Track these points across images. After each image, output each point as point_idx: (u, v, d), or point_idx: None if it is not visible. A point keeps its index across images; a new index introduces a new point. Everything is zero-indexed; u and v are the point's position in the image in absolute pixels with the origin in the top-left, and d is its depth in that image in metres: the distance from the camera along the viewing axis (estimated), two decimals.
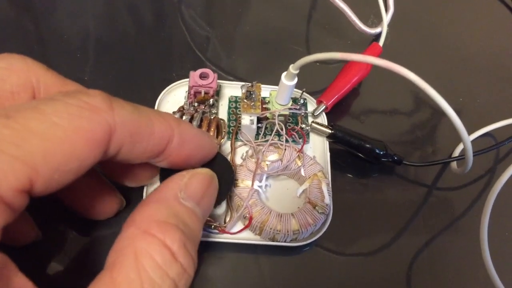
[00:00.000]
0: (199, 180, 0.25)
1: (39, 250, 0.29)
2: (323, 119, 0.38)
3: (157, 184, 0.31)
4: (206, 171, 0.26)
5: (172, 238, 0.21)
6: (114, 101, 0.21)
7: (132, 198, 0.32)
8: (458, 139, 0.39)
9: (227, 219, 0.32)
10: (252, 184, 0.32)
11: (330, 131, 0.36)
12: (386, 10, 0.48)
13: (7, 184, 0.17)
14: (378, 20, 0.48)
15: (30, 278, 0.19)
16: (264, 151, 0.33)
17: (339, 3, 0.44)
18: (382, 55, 0.44)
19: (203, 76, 0.35)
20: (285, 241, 0.31)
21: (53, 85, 0.24)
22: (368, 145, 0.36)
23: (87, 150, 0.20)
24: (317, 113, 0.38)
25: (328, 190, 0.33)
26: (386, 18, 0.46)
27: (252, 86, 0.34)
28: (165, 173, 0.28)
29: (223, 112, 0.37)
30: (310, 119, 0.38)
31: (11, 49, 0.39)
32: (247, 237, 0.32)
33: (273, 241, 0.32)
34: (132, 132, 0.21)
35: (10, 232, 0.26)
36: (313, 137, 0.37)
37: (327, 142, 0.37)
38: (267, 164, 0.33)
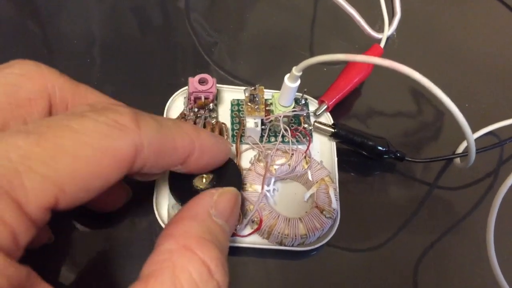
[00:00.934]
0: (227, 199, 0.26)
1: (50, 252, 0.29)
2: (327, 118, 0.38)
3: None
4: (233, 189, 0.27)
5: (210, 256, 0.21)
6: (141, 119, 0.21)
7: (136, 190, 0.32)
8: (460, 138, 0.40)
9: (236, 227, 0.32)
10: (262, 188, 0.32)
11: (333, 130, 0.36)
12: (393, 14, 0.48)
13: (35, 203, 0.17)
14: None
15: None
16: (272, 155, 0.33)
17: (347, 7, 0.44)
18: (383, 57, 0.43)
19: (202, 82, 0.35)
20: (292, 245, 0.31)
21: (67, 90, 0.25)
22: (370, 142, 0.36)
23: (113, 170, 0.20)
24: (319, 113, 0.38)
25: (335, 195, 0.33)
26: (389, 20, 0.46)
27: (255, 89, 0.34)
28: (175, 176, 0.28)
29: (222, 116, 0.37)
30: (312, 119, 0.38)
31: (19, 52, 0.40)
32: (255, 241, 0.32)
33: (280, 245, 0.32)
34: (157, 150, 0.22)
35: None
36: (320, 140, 0.37)
37: (335, 147, 0.37)
38: (275, 168, 0.33)
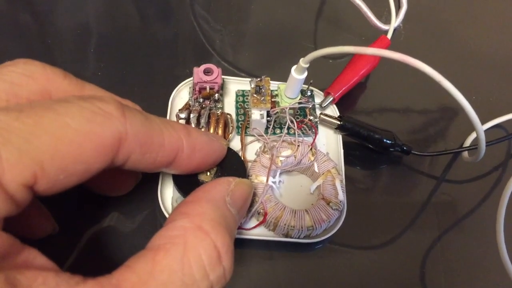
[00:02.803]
0: (242, 190, 0.26)
1: (56, 243, 0.29)
2: (333, 110, 0.38)
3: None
4: (248, 182, 0.27)
5: (223, 241, 0.21)
6: (127, 110, 0.21)
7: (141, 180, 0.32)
8: (467, 132, 0.40)
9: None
10: (267, 180, 0.31)
11: (339, 122, 0.36)
12: (399, 6, 0.47)
13: (11, 176, 0.17)
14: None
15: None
16: (278, 147, 0.33)
17: None
18: (390, 49, 0.43)
19: (207, 72, 0.34)
20: (299, 237, 0.31)
21: (71, 92, 0.24)
22: (377, 135, 0.36)
23: (95, 155, 0.20)
24: (325, 105, 0.38)
25: (342, 186, 0.33)
26: (395, 11, 0.46)
27: (261, 80, 0.34)
28: (178, 177, 0.28)
29: (227, 107, 0.37)
30: (318, 112, 0.38)
31: (16, 46, 0.40)
32: (261, 233, 0.32)
33: (286, 237, 0.31)
34: (142, 142, 0.21)
35: (26, 225, 0.26)
36: (326, 134, 0.37)
37: (341, 139, 0.36)
38: (280, 160, 0.33)
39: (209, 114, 0.34)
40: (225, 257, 0.21)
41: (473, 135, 0.39)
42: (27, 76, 0.23)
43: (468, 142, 0.39)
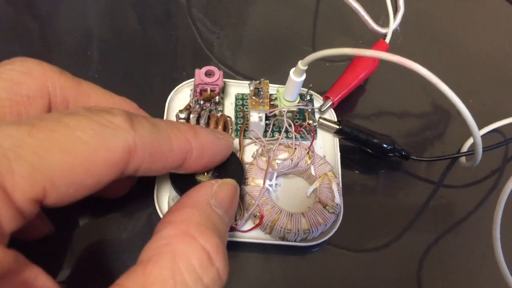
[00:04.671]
0: (227, 190, 0.25)
1: (52, 244, 0.29)
2: (331, 115, 0.38)
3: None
4: (232, 181, 0.27)
5: (211, 243, 0.21)
6: (135, 121, 0.21)
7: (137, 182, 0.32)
8: (465, 136, 0.40)
9: (237, 217, 0.32)
10: (264, 183, 0.31)
11: (337, 127, 0.36)
12: (396, 9, 0.47)
13: (22, 192, 0.17)
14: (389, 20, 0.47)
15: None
16: (275, 150, 0.33)
17: (351, 1, 0.44)
18: (389, 52, 0.43)
19: (208, 74, 0.35)
20: (295, 241, 0.31)
21: (69, 88, 0.25)
22: (375, 140, 0.36)
23: (105, 169, 0.20)
24: (324, 109, 0.38)
25: (338, 189, 0.33)
26: (393, 16, 0.46)
27: (260, 83, 0.34)
28: (176, 177, 0.28)
29: (226, 110, 0.37)
30: (317, 116, 0.38)
31: (16, 48, 0.40)
32: (257, 236, 0.32)
33: (283, 240, 0.31)
34: (152, 152, 0.22)
35: (23, 226, 0.26)
36: (323, 136, 0.37)
37: (338, 142, 0.36)
38: (277, 163, 0.33)
39: (208, 115, 0.34)
40: (217, 258, 0.21)
41: (470, 140, 0.39)
42: (25, 73, 0.23)
43: (465, 147, 0.39)
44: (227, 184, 0.26)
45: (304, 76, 0.32)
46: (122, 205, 0.32)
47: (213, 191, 0.24)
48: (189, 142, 0.24)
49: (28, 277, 0.18)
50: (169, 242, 0.20)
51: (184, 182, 0.28)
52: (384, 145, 0.36)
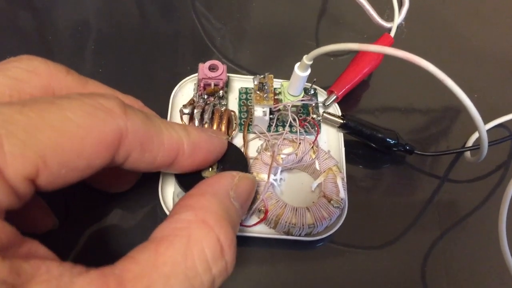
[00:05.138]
0: (246, 184, 0.26)
1: (54, 237, 0.29)
2: (335, 109, 0.38)
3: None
4: (252, 176, 0.27)
5: (226, 235, 0.21)
6: (128, 108, 0.21)
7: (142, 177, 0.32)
8: (469, 132, 0.40)
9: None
10: (268, 177, 0.31)
11: (341, 121, 0.36)
12: (401, 4, 0.47)
13: (14, 168, 0.17)
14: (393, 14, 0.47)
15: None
16: (279, 144, 0.33)
17: None
18: (393, 47, 0.43)
19: (212, 68, 0.34)
20: (300, 235, 0.31)
21: (74, 88, 0.25)
22: (380, 135, 0.36)
23: (96, 151, 0.20)
24: (328, 103, 0.37)
25: (343, 184, 0.33)
26: (398, 10, 0.46)
27: (264, 77, 0.34)
28: (181, 175, 0.28)
29: (230, 105, 0.37)
30: (321, 110, 0.37)
31: (14, 43, 0.40)
32: (262, 230, 0.32)
33: (287, 235, 0.31)
34: (142, 140, 0.22)
35: (26, 219, 0.26)
36: (327, 131, 0.37)
37: (342, 137, 0.36)
38: (282, 158, 0.33)
39: (212, 110, 0.34)
40: (228, 251, 0.21)
41: (475, 135, 0.39)
42: (31, 72, 0.23)
43: (470, 142, 0.39)
44: (247, 179, 0.26)
45: (309, 71, 0.32)
46: (127, 199, 0.32)
47: (234, 183, 0.25)
48: (181, 139, 0.24)
49: (29, 248, 0.18)
50: (186, 226, 0.21)
51: (188, 178, 0.28)
52: (388, 140, 0.36)
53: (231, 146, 0.30)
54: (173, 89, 0.36)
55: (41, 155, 0.18)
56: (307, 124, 0.35)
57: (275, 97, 0.35)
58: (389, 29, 0.44)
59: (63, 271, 0.17)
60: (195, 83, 0.36)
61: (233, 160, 0.29)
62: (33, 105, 0.18)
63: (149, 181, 0.32)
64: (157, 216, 0.32)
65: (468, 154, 0.38)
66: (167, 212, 0.31)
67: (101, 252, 0.30)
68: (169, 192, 0.32)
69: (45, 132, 0.18)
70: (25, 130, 0.17)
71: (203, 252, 0.20)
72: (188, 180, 0.28)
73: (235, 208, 0.24)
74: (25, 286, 0.16)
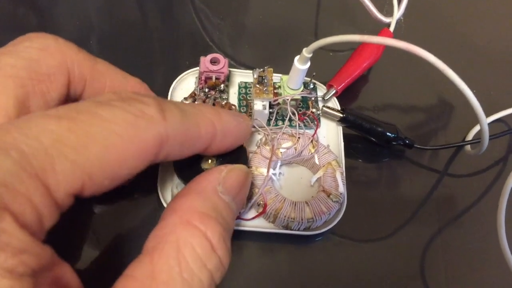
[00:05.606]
0: (236, 176, 0.25)
1: (52, 233, 0.29)
2: (334, 104, 0.38)
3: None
4: (242, 167, 0.27)
5: (212, 231, 0.21)
6: (167, 110, 0.21)
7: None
8: (469, 126, 0.39)
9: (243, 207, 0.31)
10: (268, 171, 0.31)
11: (341, 115, 0.36)
12: None
13: (63, 189, 0.17)
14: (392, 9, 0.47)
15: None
16: (278, 138, 0.33)
17: None
18: None
19: (213, 62, 0.34)
20: (298, 229, 0.31)
21: (85, 66, 0.25)
22: (379, 129, 0.36)
23: (139, 160, 0.20)
24: (328, 97, 0.37)
25: (342, 179, 0.32)
26: (397, 5, 0.45)
27: (263, 71, 0.34)
28: (180, 165, 0.28)
29: (231, 99, 0.37)
30: (320, 104, 0.37)
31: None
32: (261, 225, 0.31)
33: (286, 229, 0.31)
34: (182, 140, 0.22)
35: None
36: (326, 125, 0.37)
37: (341, 131, 0.36)
38: (281, 152, 0.33)
39: (213, 103, 0.34)
40: (219, 246, 0.21)
41: (475, 129, 0.39)
42: (44, 50, 0.23)
43: (470, 136, 0.39)
44: (237, 170, 0.26)
45: (308, 64, 0.32)
46: (125, 193, 0.32)
47: (222, 177, 0.24)
48: (214, 126, 0.24)
49: (59, 272, 0.18)
50: (172, 231, 0.21)
51: (188, 170, 0.28)
52: (388, 133, 0.36)
53: None
54: (171, 83, 0.36)
55: (88, 172, 0.18)
56: (306, 118, 0.35)
57: (275, 91, 0.35)
58: (388, 24, 0.44)
59: None
60: (196, 77, 0.36)
61: (233, 153, 0.29)
62: (78, 119, 0.18)
63: (147, 174, 0.31)
64: (156, 209, 0.32)
65: (468, 147, 0.38)
66: (165, 205, 0.30)
67: (99, 246, 0.30)
68: (167, 185, 0.32)
69: (92, 149, 0.18)
70: (74, 150, 0.17)
71: (194, 251, 0.20)
72: (188, 172, 0.28)
73: (225, 203, 0.23)
74: None
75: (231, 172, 0.25)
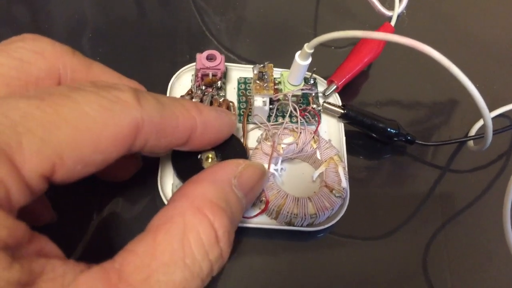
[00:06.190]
0: (252, 173, 0.25)
1: (53, 227, 0.29)
2: (335, 99, 0.37)
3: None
4: (260, 165, 0.27)
5: (220, 222, 0.21)
6: (142, 97, 0.21)
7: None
8: (471, 121, 0.39)
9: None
10: (269, 167, 0.31)
11: (342, 111, 0.35)
12: None
13: (31, 166, 0.17)
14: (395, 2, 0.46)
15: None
16: (280, 134, 0.32)
17: None
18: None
19: (210, 58, 0.34)
20: (301, 226, 0.31)
21: (80, 70, 0.24)
22: (381, 125, 0.36)
23: (113, 145, 0.20)
24: (328, 93, 0.37)
25: (344, 173, 0.32)
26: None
27: (264, 67, 0.33)
28: (178, 156, 0.28)
29: (229, 95, 0.36)
30: (321, 100, 0.37)
31: (22, 32, 0.39)
32: (263, 221, 0.31)
33: (289, 225, 0.31)
34: (158, 128, 0.21)
35: (25, 212, 0.25)
36: (328, 120, 0.36)
37: (343, 126, 0.36)
38: (282, 147, 0.32)
39: (211, 101, 0.33)
40: (222, 239, 0.21)
41: (477, 124, 0.39)
42: (37, 53, 0.23)
43: (473, 131, 0.39)
44: (254, 167, 0.26)
45: (309, 60, 0.32)
46: (126, 189, 0.32)
47: (238, 171, 0.24)
48: (194, 118, 0.24)
49: (39, 245, 0.18)
50: (181, 213, 0.21)
51: (187, 169, 0.27)
52: (390, 129, 0.36)
53: (231, 136, 0.30)
54: (171, 78, 0.36)
55: (58, 152, 0.18)
56: (307, 114, 0.35)
57: (275, 87, 0.35)
58: (390, 18, 0.44)
59: (67, 269, 0.17)
60: (192, 74, 0.36)
61: (233, 150, 0.29)
62: (50, 99, 0.18)
63: (148, 171, 0.31)
64: (156, 206, 0.32)
65: (471, 143, 0.38)
66: (166, 202, 0.30)
67: (99, 242, 0.30)
68: (168, 182, 0.31)
69: (63, 129, 0.18)
70: (43, 127, 0.17)
71: (199, 238, 0.20)
72: (187, 171, 0.27)
73: (237, 197, 0.23)
74: (33, 285, 0.16)
75: (248, 168, 0.25)
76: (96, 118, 0.19)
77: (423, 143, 0.37)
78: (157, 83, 0.36)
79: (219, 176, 0.24)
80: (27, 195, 0.17)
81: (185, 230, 0.20)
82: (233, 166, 0.25)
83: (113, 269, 0.18)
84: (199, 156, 0.28)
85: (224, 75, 0.36)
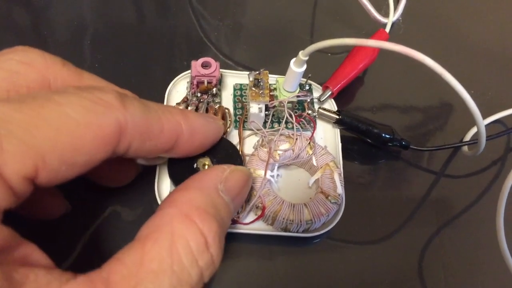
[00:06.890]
0: (238, 177, 0.25)
1: (49, 231, 0.29)
2: (331, 105, 0.38)
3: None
4: (245, 169, 0.27)
5: (209, 228, 0.21)
6: (126, 99, 0.21)
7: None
8: (466, 127, 0.40)
9: (239, 210, 0.31)
10: (265, 174, 0.31)
11: (337, 117, 0.35)
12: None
13: (13, 168, 0.17)
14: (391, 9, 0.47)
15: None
16: (276, 140, 0.33)
17: None
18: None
19: (205, 65, 0.34)
20: (297, 232, 0.31)
21: (70, 81, 0.24)
22: (375, 130, 0.36)
23: (96, 146, 0.20)
24: (323, 99, 0.37)
25: (340, 180, 0.32)
26: (394, 4, 0.45)
27: (259, 73, 0.34)
28: (174, 164, 0.28)
29: (224, 102, 0.36)
30: (316, 106, 0.37)
31: (9, 40, 0.39)
32: (259, 227, 0.31)
33: (285, 231, 0.31)
34: (142, 130, 0.21)
35: (39, 206, 0.26)
36: (324, 127, 0.37)
37: (338, 132, 0.36)
38: (278, 154, 0.33)
39: (206, 108, 0.33)
40: (213, 244, 0.21)
41: (473, 130, 0.39)
42: (27, 64, 0.23)
43: (468, 136, 0.39)
44: (239, 171, 0.26)
45: (304, 67, 0.32)
46: (123, 194, 0.32)
47: (224, 176, 0.24)
48: (180, 124, 0.24)
49: (24, 252, 0.18)
50: (169, 222, 0.21)
51: (182, 175, 0.27)
52: (384, 135, 0.36)
53: (226, 142, 0.30)
54: (168, 84, 0.36)
55: (40, 154, 0.17)
56: (302, 120, 0.35)
57: (271, 93, 0.35)
58: (385, 25, 0.44)
59: (51, 279, 0.17)
60: (188, 81, 0.36)
61: (228, 156, 0.29)
62: (31, 102, 0.18)
63: (145, 176, 0.31)
64: (153, 211, 0.32)
65: (465, 148, 0.38)
66: None
67: (95, 246, 0.30)
68: (165, 187, 0.31)
69: (44, 130, 0.18)
70: (23, 129, 0.17)
71: (188, 245, 0.20)
72: (182, 177, 0.27)
73: (224, 202, 0.24)
74: None
75: (233, 173, 0.25)
76: (78, 119, 0.19)
77: (418, 148, 0.37)
78: (155, 90, 0.36)
79: (205, 182, 0.24)
80: (11, 198, 0.17)
81: (173, 238, 0.20)
82: (219, 171, 0.25)
83: (100, 278, 0.18)
84: (195, 165, 0.28)
85: (220, 82, 0.36)
